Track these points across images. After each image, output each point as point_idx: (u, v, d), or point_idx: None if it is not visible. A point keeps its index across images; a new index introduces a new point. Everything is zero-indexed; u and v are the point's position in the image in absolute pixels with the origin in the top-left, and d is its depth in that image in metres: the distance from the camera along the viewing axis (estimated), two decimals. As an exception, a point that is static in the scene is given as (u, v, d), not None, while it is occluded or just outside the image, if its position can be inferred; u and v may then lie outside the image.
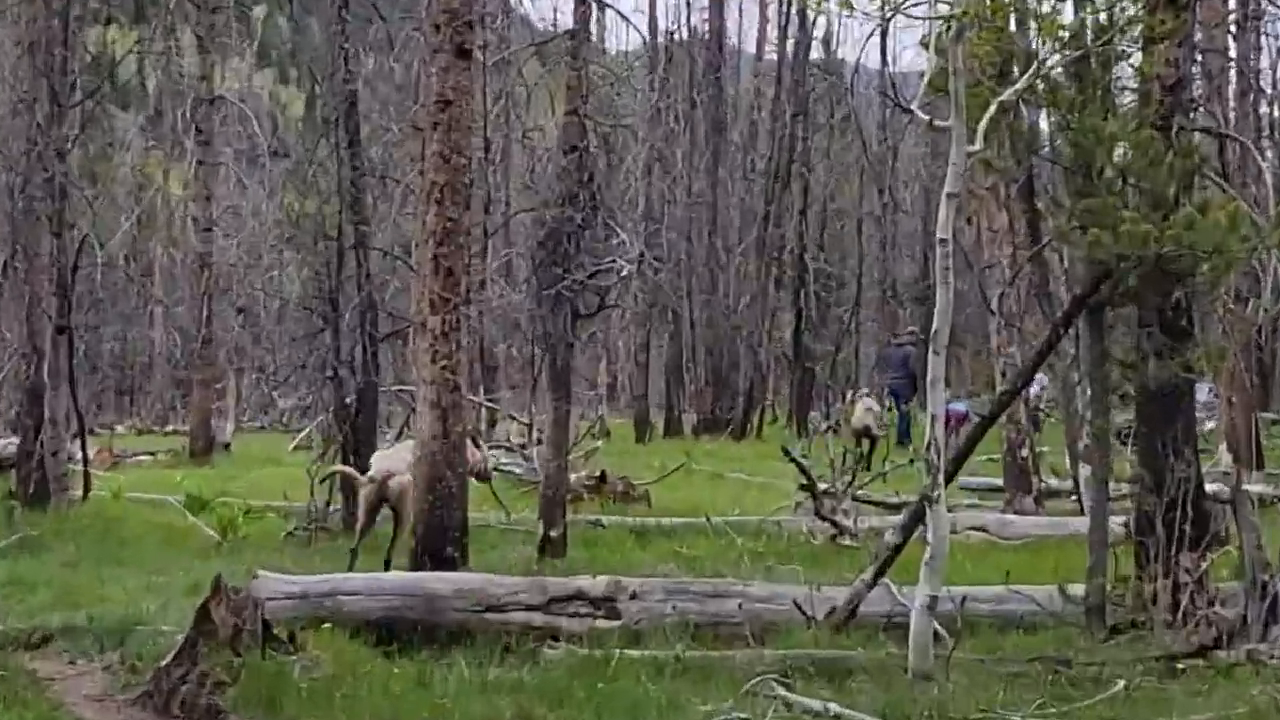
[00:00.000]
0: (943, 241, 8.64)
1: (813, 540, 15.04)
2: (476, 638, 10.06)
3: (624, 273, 13.56)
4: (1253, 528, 9.00)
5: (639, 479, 20.61)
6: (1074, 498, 19.04)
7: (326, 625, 9.73)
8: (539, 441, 22.53)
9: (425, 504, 12.70)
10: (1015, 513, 16.29)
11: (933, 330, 8.74)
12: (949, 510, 15.58)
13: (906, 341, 33.24)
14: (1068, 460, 19.67)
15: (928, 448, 8.74)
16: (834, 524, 14.96)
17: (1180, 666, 8.83)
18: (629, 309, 27.43)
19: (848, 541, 14.97)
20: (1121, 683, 8.51)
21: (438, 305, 12.80)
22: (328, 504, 16.28)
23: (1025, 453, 16.37)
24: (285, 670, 8.86)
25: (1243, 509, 9.06)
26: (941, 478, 8.75)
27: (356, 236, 16.38)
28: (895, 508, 17.72)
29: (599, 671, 9.28)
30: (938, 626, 9.17)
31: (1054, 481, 19.43)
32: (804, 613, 10.26)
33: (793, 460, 14.99)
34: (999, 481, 20.79)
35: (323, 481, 16.89)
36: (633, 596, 10.36)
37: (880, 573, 10.23)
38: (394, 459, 14.10)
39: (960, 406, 31.23)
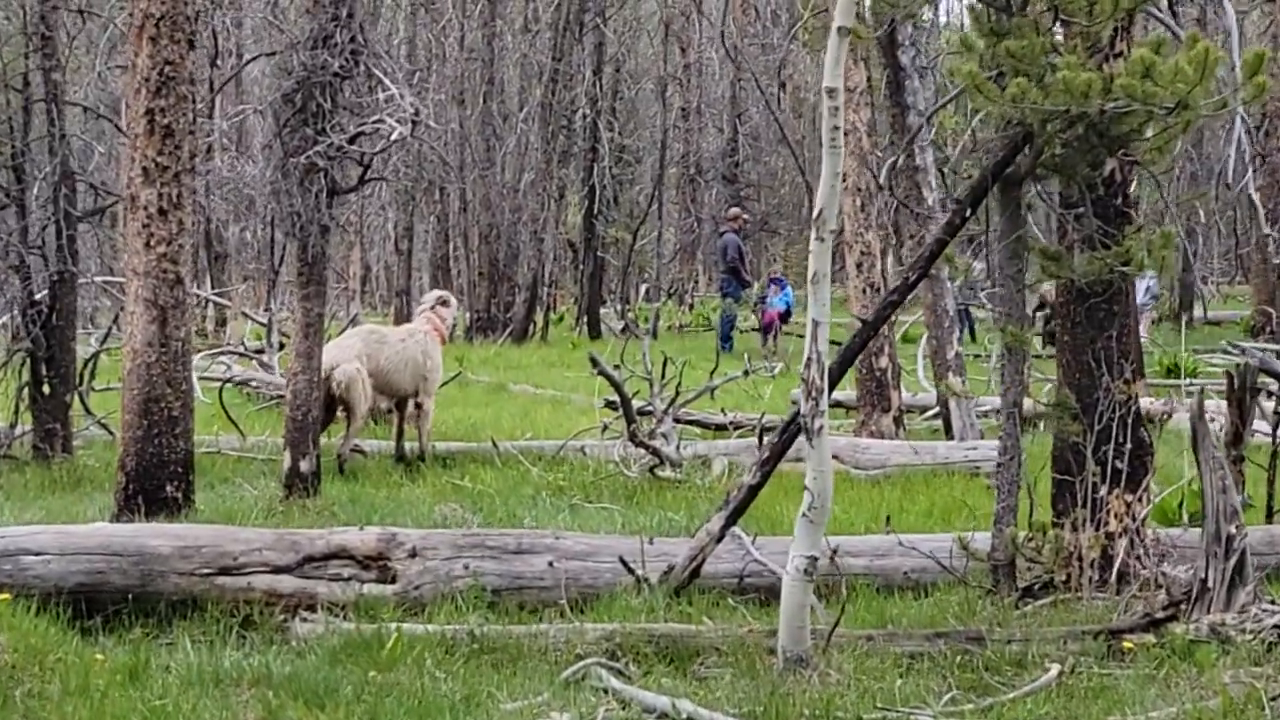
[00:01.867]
0: (831, 92, 7.51)
1: (626, 471, 13.99)
2: (207, 608, 8.83)
3: (395, 135, 12.20)
4: (1218, 464, 8.12)
5: (403, 393, 19.40)
6: (927, 415, 18.34)
7: (3, 596, 8.43)
8: (281, 346, 21.29)
9: (138, 430, 11.37)
10: (870, 435, 15.40)
11: (816, 210, 7.65)
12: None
13: (727, 229, 32.42)
14: (921, 371, 18.96)
15: (807, 365, 7.68)
16: (653, 451, 13.90)
17: (1126, 644, 7.92)
18: (397, 183, 25.84)
19: (669, 473, 13.95)
20: (1055, 668, 7.58)
21: (153, 174, 11.42)
22: (13, 425, 14.78)
23: (885, 362, 15.45)
24: (-55, 662, 7.58)
25: (1204, 440, 8.17)
26: (825, 402, 7.70)
27: (48, 87, 14.76)
28: (721, 428, 16.84)
29: (370, 654, 8.14)
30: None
31: (907, 396, 18.70)
32: (633, 572, 9.20)
33: (601, 373, 13.87)
34: (839, 395, 20.03)
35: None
36: (412, 554, 9.19)
37: (731, 520, 9.21)
38: (340, 349, 14.47)
39: (781, 304, 30.63)
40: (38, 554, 8.73)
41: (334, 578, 9.06)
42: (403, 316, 34.35)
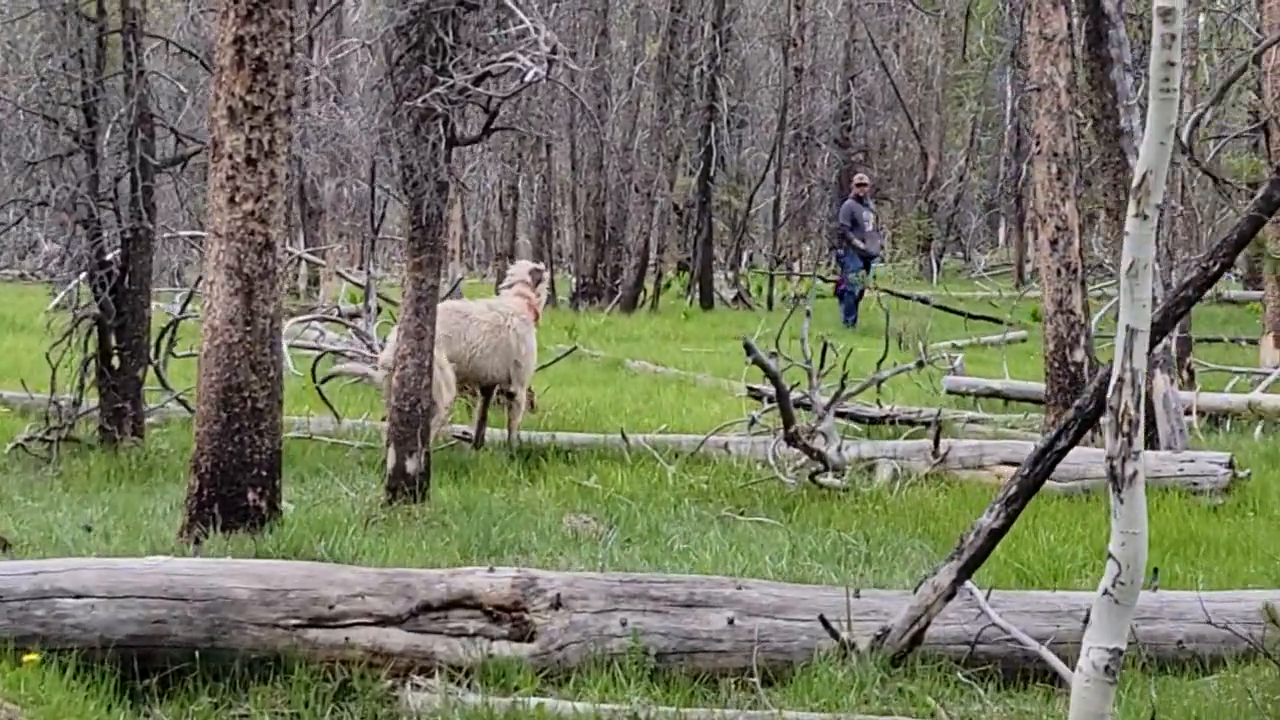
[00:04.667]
0: (1166, 14, 5.37)
1: (781, 476, 11.92)
2: (294, 670, 6.83)
3: (530, 76, 10.14)
4: None
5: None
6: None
7: (30, 657, 6.47)
8: (378, 310, 19.37)
9: (215, 424, 9.39)
10: (1062, 440, 13.16)
11: (1138, 177, 5.52)
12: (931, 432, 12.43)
13: (851, 195, 30.23)
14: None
15: (1117, 387, 5.55)
16: (817, 455, 11.82)
17: None
18: (529, 132, 23.65)
19: (832, 479, 11.86)
20: None
21: (240, 115, 9.43)
22: (77, 404, 12.84)
23: (1080, 355, 13.23)
24: (-53, 752, 5.64)
25: None
26: (1140, 440, 5.59)
27: (125, 16, 12.78)
28: (877, 422, 14.79)
29: (505, 744, 6.14)
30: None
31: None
32: (837, 636, 7.14)
33: (757, 361, 11.71)
34: (996, 384, 17.91)
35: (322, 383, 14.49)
36: (556, 604, 7.15)
37: (965, 574, 7.13)
38: None
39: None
40: (78, 596, 6.75)
41: (456, 632, 7.04)
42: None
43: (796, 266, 41.40)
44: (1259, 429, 15.74)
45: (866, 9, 47.93)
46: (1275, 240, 18.83)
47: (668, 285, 36.47)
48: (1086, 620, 7.17)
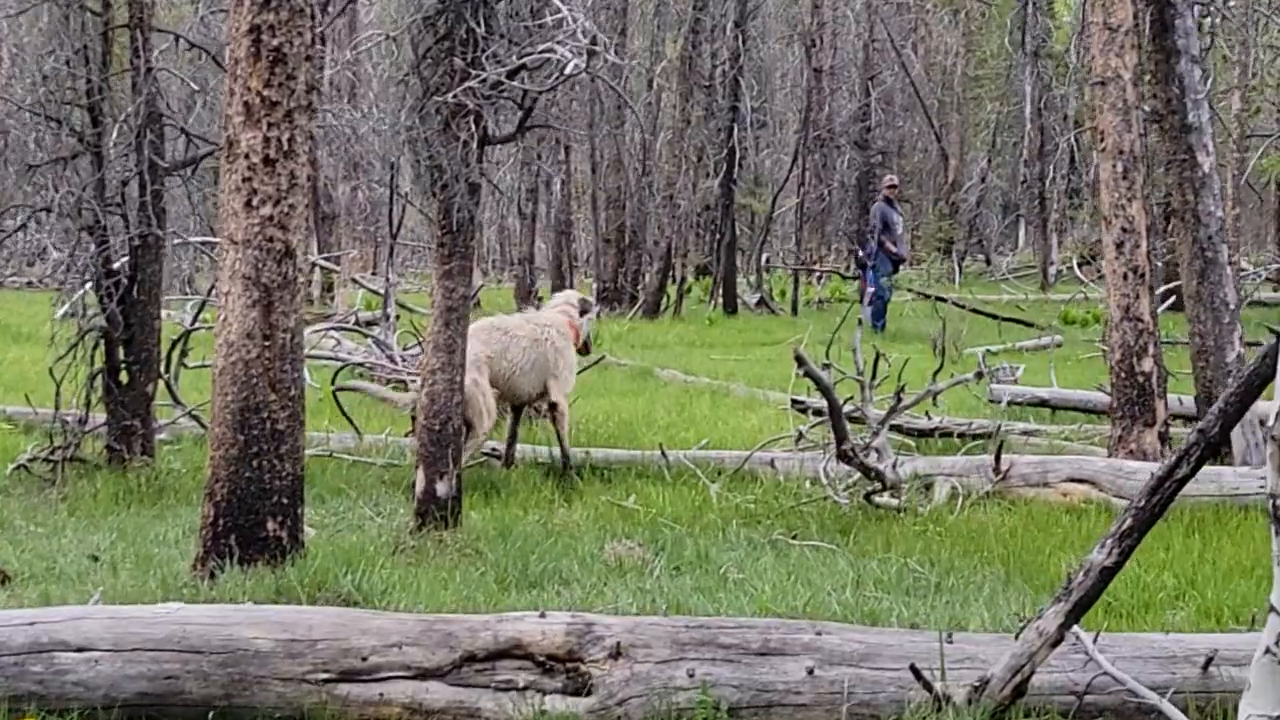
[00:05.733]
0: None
1: (834, 495, 11.14)
2: (323, 730, 6.08)
3: (569, 69, 9.37)
4: None
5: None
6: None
7: (29, 719, 5.74)
8: (395, 317, 18.67)
9: (232, 448, 8.62)
10: (1129, 455, 12.36)
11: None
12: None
13: (881, 197, 29.44)
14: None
15: (1275, 413, 4.78)
16: (874, 475, 11.04)
17: None
18: (563, 130, 22.84)
19: (887, 498, 11.09)
20: None
21: (257, 111, 8.66)
22: (83, 421, 12.07)
23: (1149, 365, 12.42)
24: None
25: None
26: (1308, 474, 4.83)
27: (133, 10, 12.03)
28: (926, 435, 14.00)
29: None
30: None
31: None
32: (930, 688, 6.35)
33: (809, 374, 10.92)
34: (1043, 393, 17.08)
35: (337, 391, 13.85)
36: (615, 654, 6.37)
37: (1074, 617, 6.35)
38: None
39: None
40: (81, 650, 6.02)
41: (504, 686, 6.27)
42: (525, 287, 31.65)
43: (817, 269, 40.71)
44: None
45: (885, 9, 47.20)
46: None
47: (688, 290, 35.74)
48: (1205, 666, 6.50)
